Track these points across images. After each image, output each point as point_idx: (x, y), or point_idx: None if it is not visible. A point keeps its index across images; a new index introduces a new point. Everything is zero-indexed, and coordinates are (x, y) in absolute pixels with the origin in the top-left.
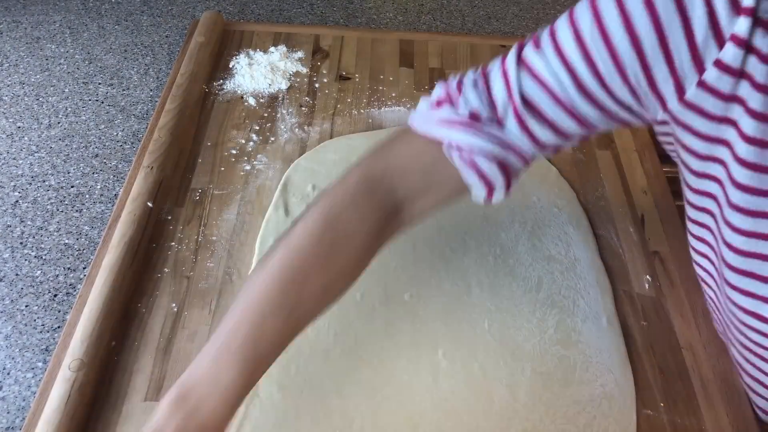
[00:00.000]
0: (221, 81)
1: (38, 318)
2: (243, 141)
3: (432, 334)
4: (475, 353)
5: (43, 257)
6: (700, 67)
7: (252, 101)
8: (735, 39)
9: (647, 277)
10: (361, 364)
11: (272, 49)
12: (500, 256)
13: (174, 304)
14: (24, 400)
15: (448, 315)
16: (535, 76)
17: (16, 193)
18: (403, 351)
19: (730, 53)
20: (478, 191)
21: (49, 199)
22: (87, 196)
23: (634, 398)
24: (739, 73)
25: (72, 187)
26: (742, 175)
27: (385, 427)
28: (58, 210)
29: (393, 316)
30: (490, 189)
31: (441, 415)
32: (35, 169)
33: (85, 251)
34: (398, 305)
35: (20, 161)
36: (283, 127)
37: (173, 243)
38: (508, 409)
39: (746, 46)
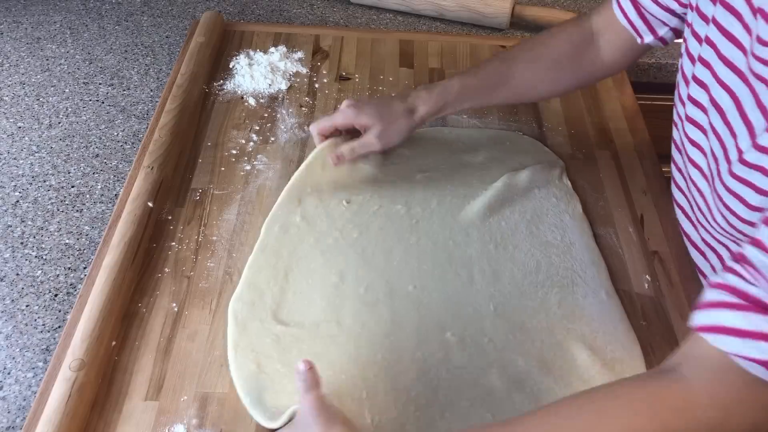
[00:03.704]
0: (221, 81)
1: (39, 318)
2: (243, 141)
3: (438, 319)
4: (484, 330)
5: (44, 257)
6: None
7: (252, 101)
8: None
9: (647, 276)
10: (370, 346)
11: (272, 49)
12: (501, 243)
13: (174, 304)
14: (24, 399)
15: (452, 302)
16: None
17: (17, 193)
18: (411, 335)
19: None
20: None
21: (50, 199)
22: (87, 196)
23: (642, 360)
24: None
25: (72, 187)
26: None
27: (406, 390)
28: (58, 210)
29: (398, 306)
30: None
31: (457, 379)
32: (36, 169)
33: (85, 251)
34: (403, 297)
35: (21, 161)
36: (283, 127)
37: (173, 243)
38: (521, 374)
39: None
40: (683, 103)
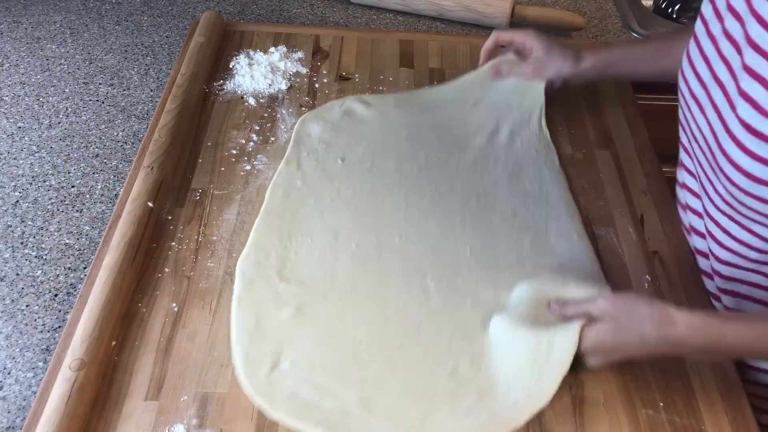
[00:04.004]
0: (221, 81)
1: (39, 318)
2: (243, 141)
3: (419, 267)
4: (459, 272)
5: (44, 257)
6: None
7: (252, 101)
8: None
9: (647, 276)
10: (357, 297)
11: (272, 49)
12: (482, 194)
13: (174, 304)
14: (25, 399)
15: (433, 249)
16: None
17: (17, 193)
18: (396, 282)
19: None
20: None
21: (50, 199)
22: (87, 196)
23: (608, 289)
24: None
25: (72, 187)
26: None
27: (392, 338)
28: (58, 210)
29: (384, 259)
30: None
31: (436, 319)
32: (36, 169)
33: (85, 251)
34: (389, 249)
35: (21, 161)
36: (283, 127)
37: (173, 243)
38: (492, 304)
39: None
40: (686, 82)
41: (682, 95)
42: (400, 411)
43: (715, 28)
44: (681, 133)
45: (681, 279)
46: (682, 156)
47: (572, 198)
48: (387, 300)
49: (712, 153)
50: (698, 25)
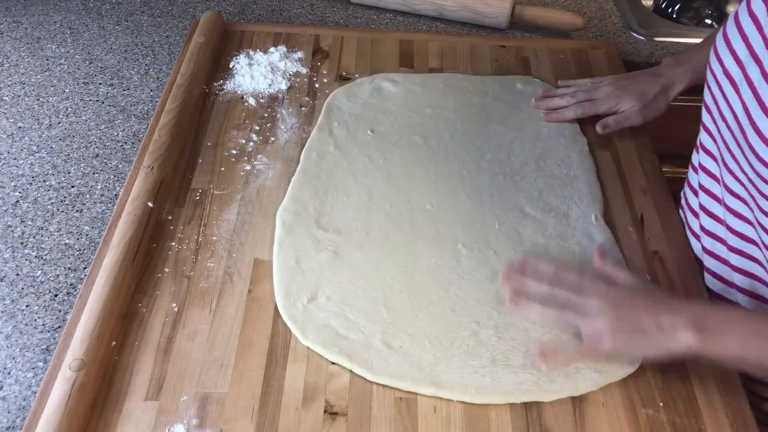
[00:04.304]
0: (221, 81)
1: (39, 318)
2: (243, 141)
3: (451, 232)
4: (489, 244)
5: (44, 257)
6: None
7: (252, 101)
8: None
9: (647, 276)
10: (392, 251)
11: (272, 49)
12: (509, 175)
13: (174, 304)
14: (25, 399)
15: (464, 219)
16: None
17: (17, 193)
18: (428, 243)
19: None
20: None
21: (50, 199)
22: (87, 196)
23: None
24: None
25: (72, 187)
26: None
27: (422, 289)
28: (58, 210)
29: (417, 221)
30: None
31: (467, 284)
32: (36, 169)
33: (85, 251)
34: (421, 213)
35: (21, 161)
36: (283, 127)
37: (173, 243)
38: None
39: None
40: (720, 62)
41: (714, 75)
42: (417, 352)
43: (759, 7)
44: (705, 115)
45: (681, 279)
46: (702, 138)
47: (598, 182)
48: (419, 256)
49: (742, 131)
50: (741, 6)
